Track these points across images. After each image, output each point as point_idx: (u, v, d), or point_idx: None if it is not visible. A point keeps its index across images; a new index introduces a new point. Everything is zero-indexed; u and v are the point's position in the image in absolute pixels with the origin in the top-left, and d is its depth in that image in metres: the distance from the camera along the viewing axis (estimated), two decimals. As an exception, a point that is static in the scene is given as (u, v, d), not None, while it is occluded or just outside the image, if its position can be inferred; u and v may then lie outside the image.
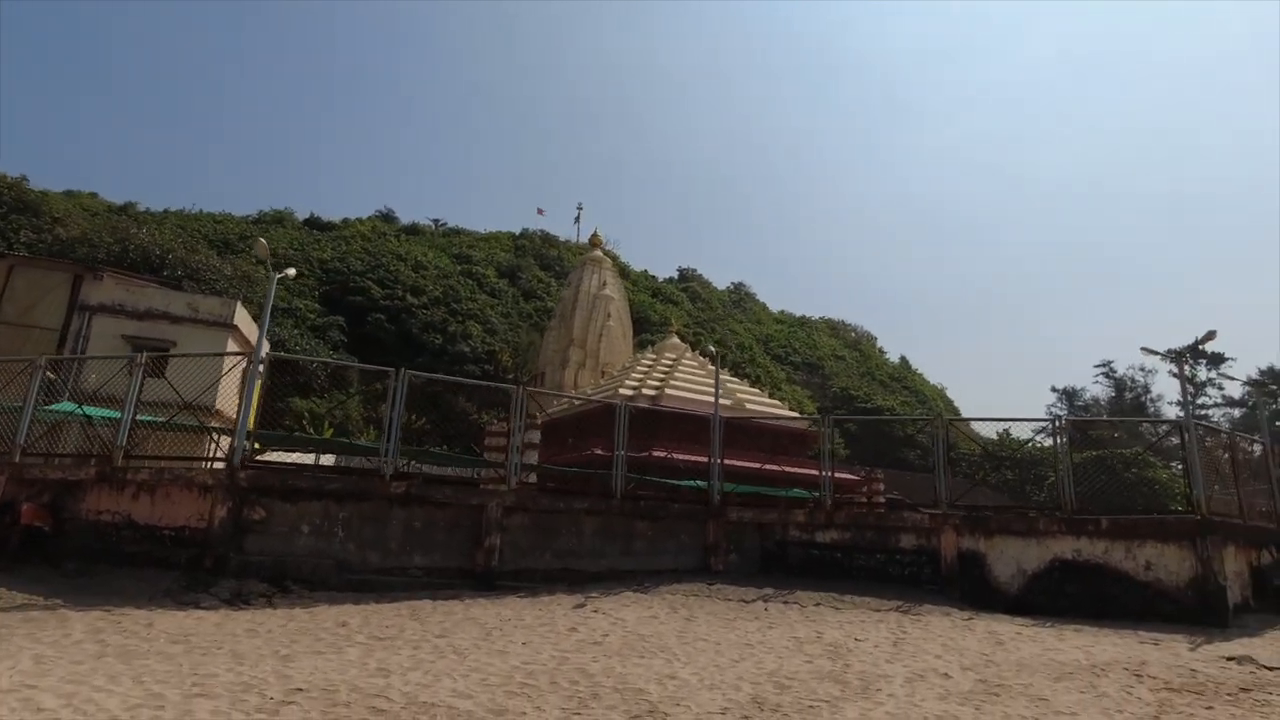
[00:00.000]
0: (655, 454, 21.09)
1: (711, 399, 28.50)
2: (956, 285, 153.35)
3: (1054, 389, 64.57)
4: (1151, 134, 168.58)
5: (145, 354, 10.74)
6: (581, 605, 9.71)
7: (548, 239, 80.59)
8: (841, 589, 11.32)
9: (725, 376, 33.14)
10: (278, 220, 70.43)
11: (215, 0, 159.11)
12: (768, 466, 14.42)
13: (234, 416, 25.44)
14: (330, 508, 9.93)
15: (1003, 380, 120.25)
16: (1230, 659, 8.09)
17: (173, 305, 26.41)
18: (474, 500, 10.73)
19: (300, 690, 5.38)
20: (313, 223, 72.79)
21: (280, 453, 18.85)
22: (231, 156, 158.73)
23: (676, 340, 35.46)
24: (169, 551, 9.42)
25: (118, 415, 10.39)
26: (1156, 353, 11.97)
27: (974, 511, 12.49)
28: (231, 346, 25.33)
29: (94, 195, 70.48)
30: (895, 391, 65.88)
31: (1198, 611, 10.52)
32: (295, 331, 43.12)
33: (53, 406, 12.81)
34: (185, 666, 5.88)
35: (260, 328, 10.29)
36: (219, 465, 10.21)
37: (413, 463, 18.55)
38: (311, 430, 34.03)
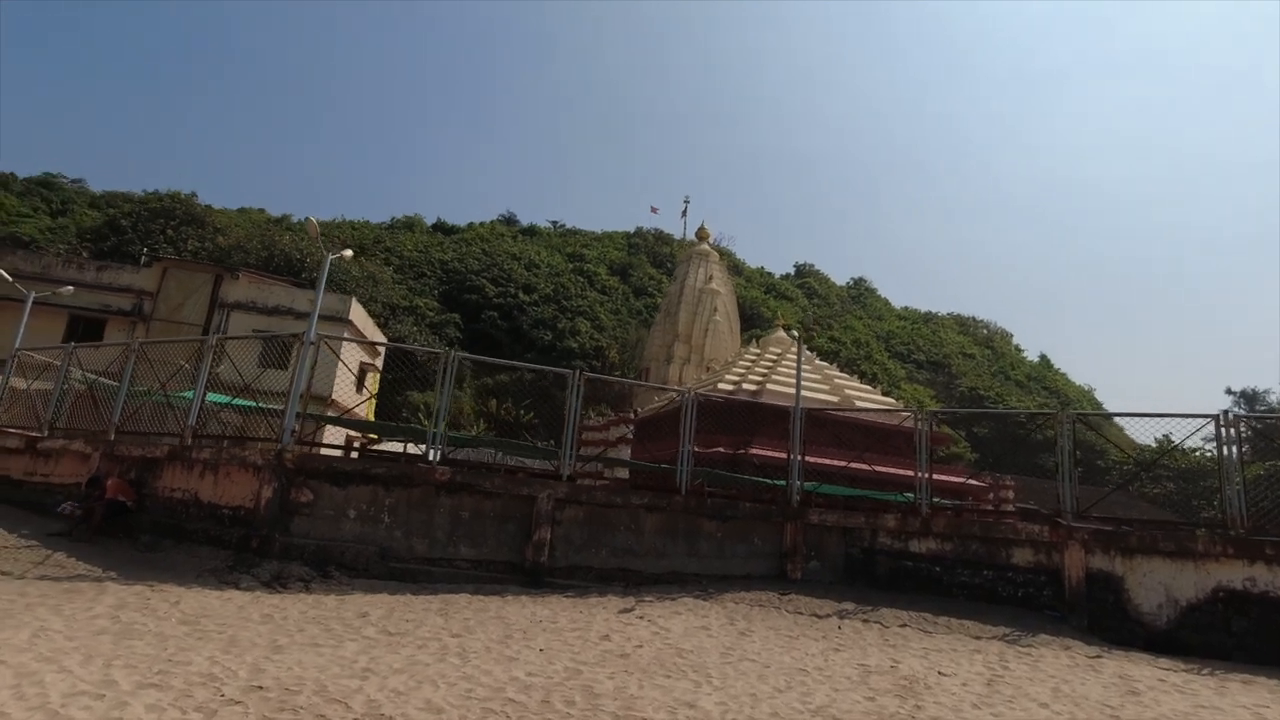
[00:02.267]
0: (753, 452, 19.85)
1: (819, 395, 26.74)
2: (1109, 276, 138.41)
3: (1229, 391, 56.29)
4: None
5: (216, 336, 11.00)
6: (628, 609, 8.84)
7: (661, 237, 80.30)
8: (937, 609, 9.73)
9: (834, 372, 31.09)
10: (408, 225, 74.64)
11: (358, 12, 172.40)
12: (854, 465, 12.84)
13: (348, 406, 26.34)
14: (377, 493, 9.67)
15: (1166, 381, 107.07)
16: None
17: (296, 302, 28.19)
18: (524, 491, 10.14)
19: (260, 688, 4.88)
20: (439, 227, 76.54)
21: (394, 444, 19.23)
22: (378, 168, 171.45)
23: (782, 334, 33.70)
24: (225, 530, 9.50)
25: (189, 397, 10.69)
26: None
27: (1111, 524, 10.42)
28: (346, 342, 26.55)
29: (262, 210, 77.96)
30: (1033, 392, 60.00)
31: None
32: (414, 328, 45.29)
33: (182, 393, 13.62)
34: (168, 651, 5.57)
35: (315, 304, 10.21)
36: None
37: (505, 455, 18.32)
38: (426, 423, 35.39)
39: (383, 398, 37.03)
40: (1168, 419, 10.28)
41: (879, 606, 9.70)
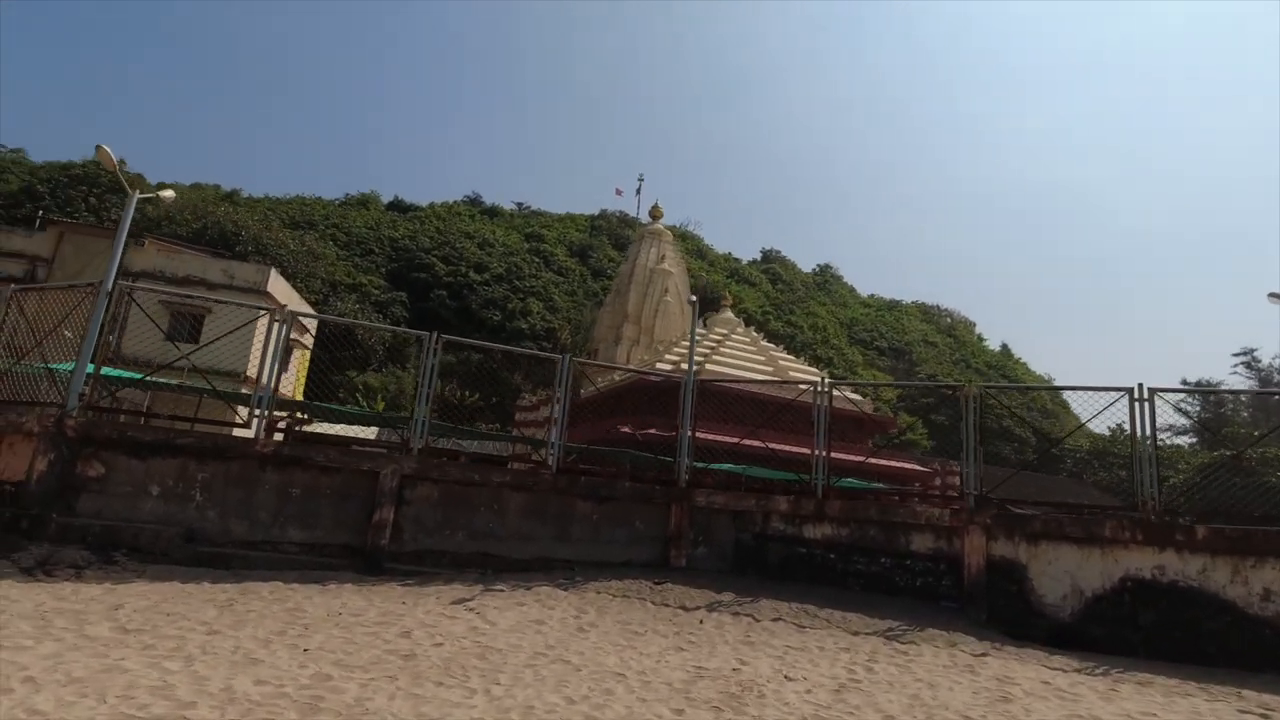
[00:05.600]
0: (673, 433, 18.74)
1: (759, 374, 25.76)
2: (1071, 270, 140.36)
3: (1185, 382, 56.86)
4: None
5: (13, 288, 9.57)
6: (463, 600, 7.72)
7: (624, 220, 78.90)
8: (826, 600, 8.76)
9: (779, 353, 30.27)
10: (362, 203, 72.15)
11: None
12: (747, 442, 11.82)
13: (265, 383, 24.85)
14: (187, 467, 8.40)
15: (1122, 372, 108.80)
16: (1387, 754, 5.10)
17: (209, 272, 26.41)
18: (365, 465, 8.94)
19: None
20: (395, 205, 74.16)
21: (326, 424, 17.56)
22: (340, 147, 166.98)
23: (729, 315, 32.88)
24: (3, 507, 8.15)
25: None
26: (1291, 300, 8.59)
27: (1017, 507, 9.53)
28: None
29: (217, 187, 74.53)
30: (992, 380, 59.97)
31: (1340, 665, 7.30)
32: (357, 306, 43.47)
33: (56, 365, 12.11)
34: None
35: (114, 254, 8.87)
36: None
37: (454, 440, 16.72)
38: (365, 404, 33.73)
39: (317, 377, 35.25)
40: (1082, 392, 9.40)
41: (760, 597, 8.69)
